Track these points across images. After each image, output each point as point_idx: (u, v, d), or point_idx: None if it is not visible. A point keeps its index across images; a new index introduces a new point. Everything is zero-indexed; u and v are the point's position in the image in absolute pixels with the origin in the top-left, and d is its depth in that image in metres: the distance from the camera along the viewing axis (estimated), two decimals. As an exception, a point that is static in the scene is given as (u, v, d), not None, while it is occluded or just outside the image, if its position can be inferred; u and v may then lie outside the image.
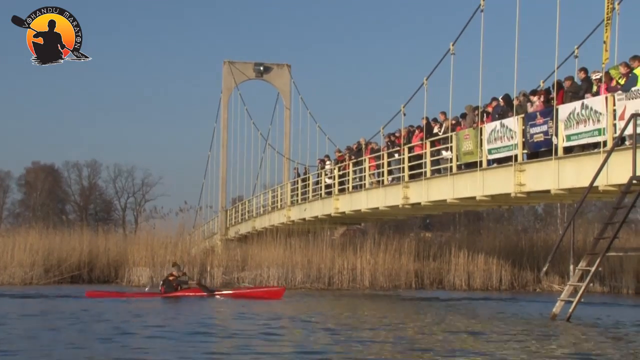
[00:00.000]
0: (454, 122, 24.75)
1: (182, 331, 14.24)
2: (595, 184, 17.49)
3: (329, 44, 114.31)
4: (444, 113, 25.82)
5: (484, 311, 20.89)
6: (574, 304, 15.82)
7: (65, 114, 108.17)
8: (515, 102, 21.69)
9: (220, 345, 12.69)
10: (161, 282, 26.61)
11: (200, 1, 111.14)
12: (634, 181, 15.90)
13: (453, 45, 24.91)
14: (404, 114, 28.64)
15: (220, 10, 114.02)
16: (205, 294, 26.24)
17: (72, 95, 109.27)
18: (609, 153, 16.93)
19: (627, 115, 16.85)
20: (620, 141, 17.24)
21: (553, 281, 34.66)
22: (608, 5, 18.12)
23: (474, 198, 23.41)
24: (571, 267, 16.42)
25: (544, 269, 19.11)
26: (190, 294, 25.83)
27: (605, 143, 17.83)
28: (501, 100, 22.52)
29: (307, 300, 26.22)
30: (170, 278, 26.09)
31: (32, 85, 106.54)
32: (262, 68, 47.45)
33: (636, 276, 33.92)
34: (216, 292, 26.95)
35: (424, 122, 26.41)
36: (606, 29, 18.13)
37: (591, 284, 32.80)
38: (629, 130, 16.50)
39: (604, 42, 18.13)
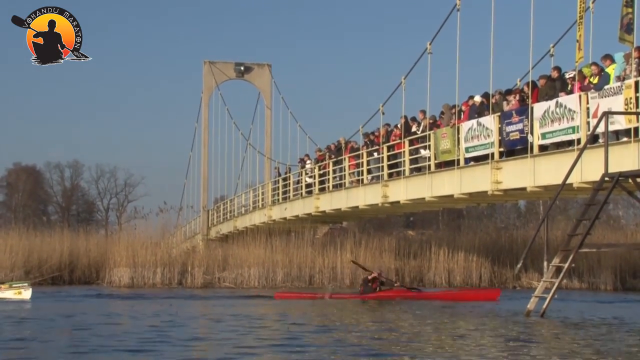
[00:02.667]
0: (431, 121, 24.92)
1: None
2: (569, 181, 17.69)
3: (309, 44, 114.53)
4: (423, 112, 25.94)
5: (460, 308, 21.05)
6: (547, 300, 16.00)
7: (45, 115, 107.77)
8: (492, 101, 21.87)
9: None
10: (360, 283, 25.93)
11: (180, 1, 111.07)
12: (606, 178, 16.09)
13: (430, 44, 25.09)
14: (383, 113, 28.83)
15: (201, 10, 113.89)
16: (410, 294, 25.35)
17: (50, 96, 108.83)
18: (582, 150, 17.12)
19: (600, 113, 17.04)
20: (593, 139, 17.44)
21: (532, 278, 34.88)
22: (580, 5, 18.31)
23: (452, 196, 23.58)
24: (545, 263, 16.60)
25: (518, 266, 19.22)
26: (392, 295, 24.96)
27: (579, 141, 18.03)
28: (478, 99, 22.70)
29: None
30: (369, 279, 25.24)
31: (8, 83, 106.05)
32: (242, 68, 47.46)
33: (614, 272, 34.24)
34: (424, 294, 25.93)
35: (403, 121, 26.55)
36: (579, 28, 18.31)
37: (569, 281, 33.57)
38: (601, 128, 16.69)
39: (577, 41, 18.31)
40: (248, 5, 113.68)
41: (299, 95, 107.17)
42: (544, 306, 16.06)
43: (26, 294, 25.07)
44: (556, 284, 15.91)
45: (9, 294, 25.17)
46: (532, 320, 16.12)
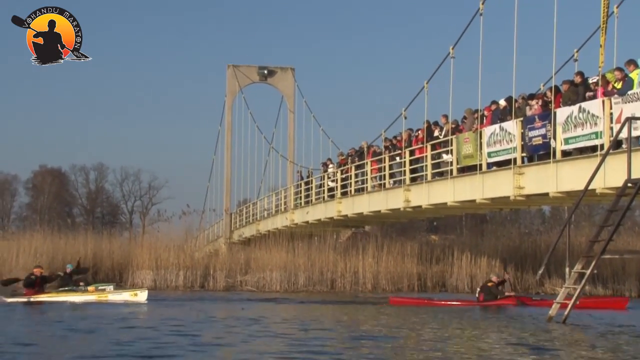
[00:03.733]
0: (453, 125, 24.84)
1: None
2: (592, 187, 17.56)
3: (332, 48, 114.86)
4: (445, 116, 25.89)
5: (483, 313, 20.94)
6: (569, 306, 15.87)
7: (71, 118, 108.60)
8: (514, 106, 21.77)
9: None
10: (478, 290, 24.60)
11: (204, 4, 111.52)
12: (629, 184, 15.95)
13: (453, 48, 25.02)
14: (405, 117, 28.78)
15: (225, 14, 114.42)
16: (532, 301, 23.99)
17: (77, 99, 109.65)
18: (604, 156, 16.99)
19: (623, 119, 16.92)
20: (616, 144, 17.30)
21: (556, 284, 34.62)
22: (604, 10, 18.19)
23: (474, 201, 23.50)
24: (567, 270, 16.47)
25: (539, 272, 19.08)
26: (509, 303, 23.59)
27: (602, 146, 17.90)
28: (502, 103, 22.60)
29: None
30: (490, 284, 24.09)
31: (35, 86, 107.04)
32: (266, 72, 47.55)
33: (638, 279, 33.96)
34: (544, 301, 23.81)
35: (425, 125, 26.49)
36: (602, 33, 18.19)
37: (593, 287, 33.30)
38: (625, 134, 16.55)
39: (601, 45, 18.19)
40: (271, 10, 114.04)
41: (322, 99, 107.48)
42: (566, 312, 15.93)
43: (142, 296, 24.79)
44: (578, 290, 15.78)
45: (125, 295, 24.97)
46: (553, 326, 16.01)
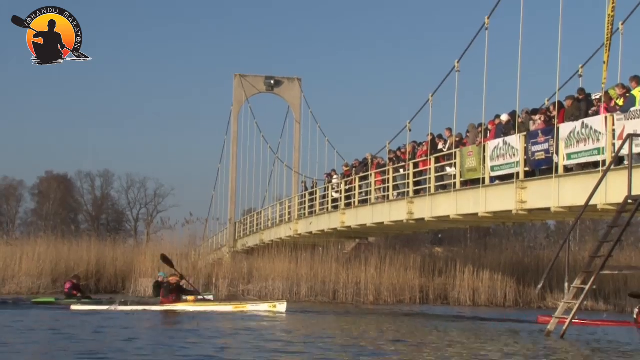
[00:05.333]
0: (457, 139, 24.92)
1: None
2: (594, 203, 17.64)
3: (339, 59, 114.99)
4: (449, 129, 25.97)
5: (482, 326, 20.97)
6: (567, 321, 15.91)
7: (78, 124, 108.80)
8: (518, 120, 21.85)
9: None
10: (637, 310, 22.27)
11: (211, 13, 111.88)
12: (630, 200, 16.01)
13: (458, 62, 25.11)
14: (410, 130, 28.89)
15: (232, 23, 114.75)
16: None
17: (84, 106, 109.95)
18: (605, 172, 17.07)
19: (625, 135, 16.98)
20: (618, 161, 17.37)
21: (558, 298, 34.59)
22: (608, 27, 18.28)
23: (476, 214, 23.54)
24: (566, 284, 16.52)
25: (539, 286, 19.15)
26: None
27: (605, 162, 17.96)
28: (505, 118, 22.67)
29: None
30: None
31: (40, 92, 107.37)
32: (272, 82, 47.68)
33: (640, 295, 33.86)
34: None
35: (429, 138, 26.57)
36: (606, 50, 18.27)
37: (595, 303, 33.26)
38: (626, 150, 16.62)
39: (604, 62, 18.27)
40: (278, 20, 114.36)
41: (327, 110, 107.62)
42: (564, 327, 15.97)
43: (281, 307, 23.96)
44: (577, 306, 15.82)
45: (264, 307, 24.29)
46: (550, 341, 16.04)
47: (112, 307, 24.10)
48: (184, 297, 24.62)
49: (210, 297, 25.14)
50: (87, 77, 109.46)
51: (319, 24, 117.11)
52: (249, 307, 24.23)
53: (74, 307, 24.58)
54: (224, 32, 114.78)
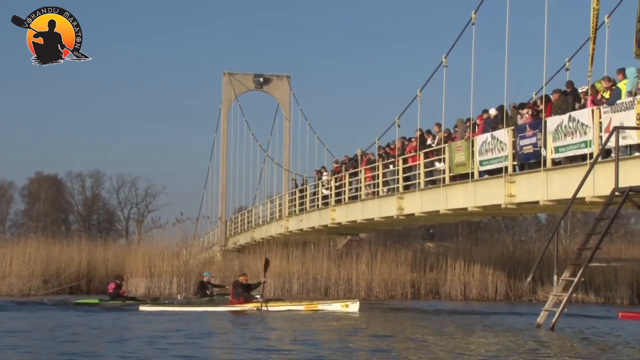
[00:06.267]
0: (446, 134, 24.99)
1: None
2: (581, 196, 17.73)
3: (327, 56, 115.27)
4: (438, 125, 26.03)
5: (472, 320, 21.05)
6: (557, 313, 16.01)
7: (67, 124, 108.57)
8: (506, 115, 21.92)
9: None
10: None
11: (200, 12, 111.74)
12: (617, 192, 16.11)
13: (445, 57, 25.18)
14: (399, 126, 28.93)
15: (221, 22, 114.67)
16: None
17: (73, 105, 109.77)
18: (592, 165, 17.17)
19: (612, 128, 17.07)
20: (605, 153, 17.46)
21: (549, 291, 34.69)
22: (593, 20, 18.36)
23: (466, 209, 23.63)
24: (555, 277, 16.62)
25: (527, 279, 19.26)
26: None
27: (592, 155, 18.05)
28: (492, 112, 22.76)
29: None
30: None
31: (33, 88, 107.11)
32: (261, 79, 47.72)
33: (630, 287, 34.05)
34: None
35: (418, 133, 26.63)
36: (592, 43, 18.35)
37: (585, 295, 33.39)
38: (613, 143, 16.71)
39: (590, 55, 18.35)
40: (267, 17, 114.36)
41: (317, 107, 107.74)
42: (554, 320, 16.07)
43: (354, 307, 24.00)
44: (566, 298, 15.92)
45: (336, 306, 24.29)
46: (541, 333, 16.14)
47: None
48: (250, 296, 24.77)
49: (258, 297, 25.33)
50: (82, 78, 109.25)
51: (307, 22, 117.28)
52: (320, 307, 24.38)
53: (143, 308, 24.59)
54: (212, 31, 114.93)
